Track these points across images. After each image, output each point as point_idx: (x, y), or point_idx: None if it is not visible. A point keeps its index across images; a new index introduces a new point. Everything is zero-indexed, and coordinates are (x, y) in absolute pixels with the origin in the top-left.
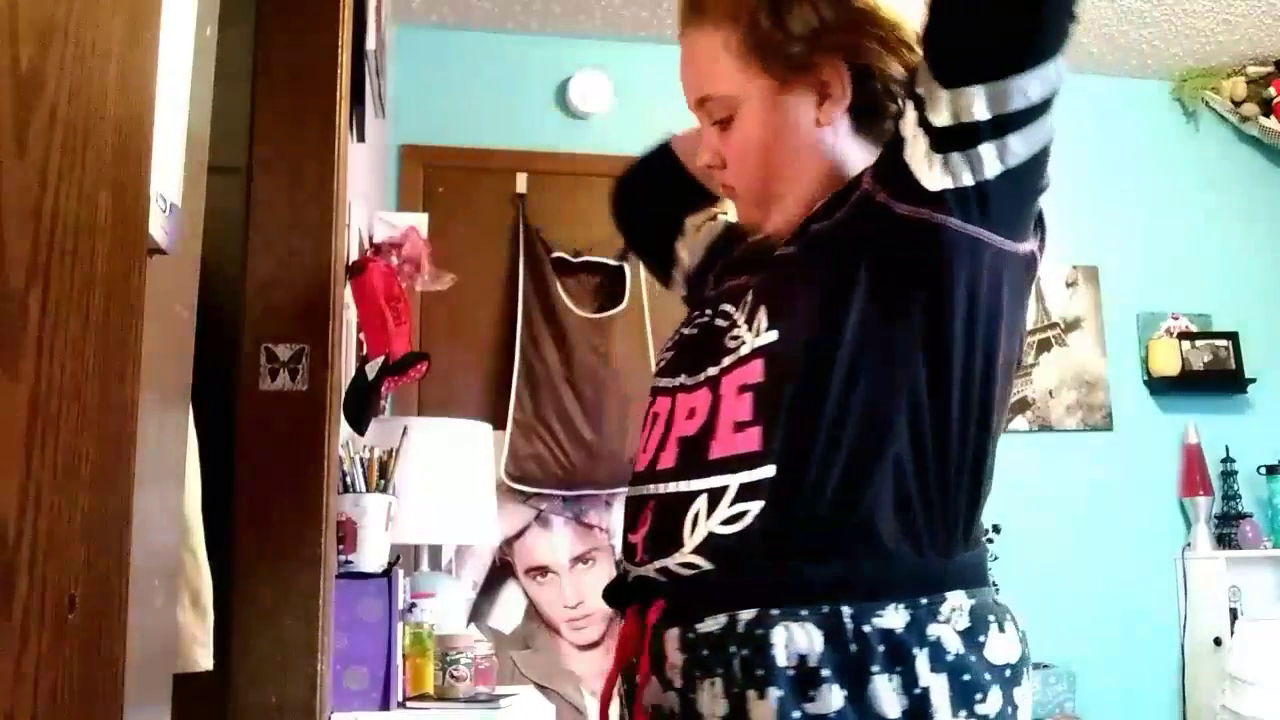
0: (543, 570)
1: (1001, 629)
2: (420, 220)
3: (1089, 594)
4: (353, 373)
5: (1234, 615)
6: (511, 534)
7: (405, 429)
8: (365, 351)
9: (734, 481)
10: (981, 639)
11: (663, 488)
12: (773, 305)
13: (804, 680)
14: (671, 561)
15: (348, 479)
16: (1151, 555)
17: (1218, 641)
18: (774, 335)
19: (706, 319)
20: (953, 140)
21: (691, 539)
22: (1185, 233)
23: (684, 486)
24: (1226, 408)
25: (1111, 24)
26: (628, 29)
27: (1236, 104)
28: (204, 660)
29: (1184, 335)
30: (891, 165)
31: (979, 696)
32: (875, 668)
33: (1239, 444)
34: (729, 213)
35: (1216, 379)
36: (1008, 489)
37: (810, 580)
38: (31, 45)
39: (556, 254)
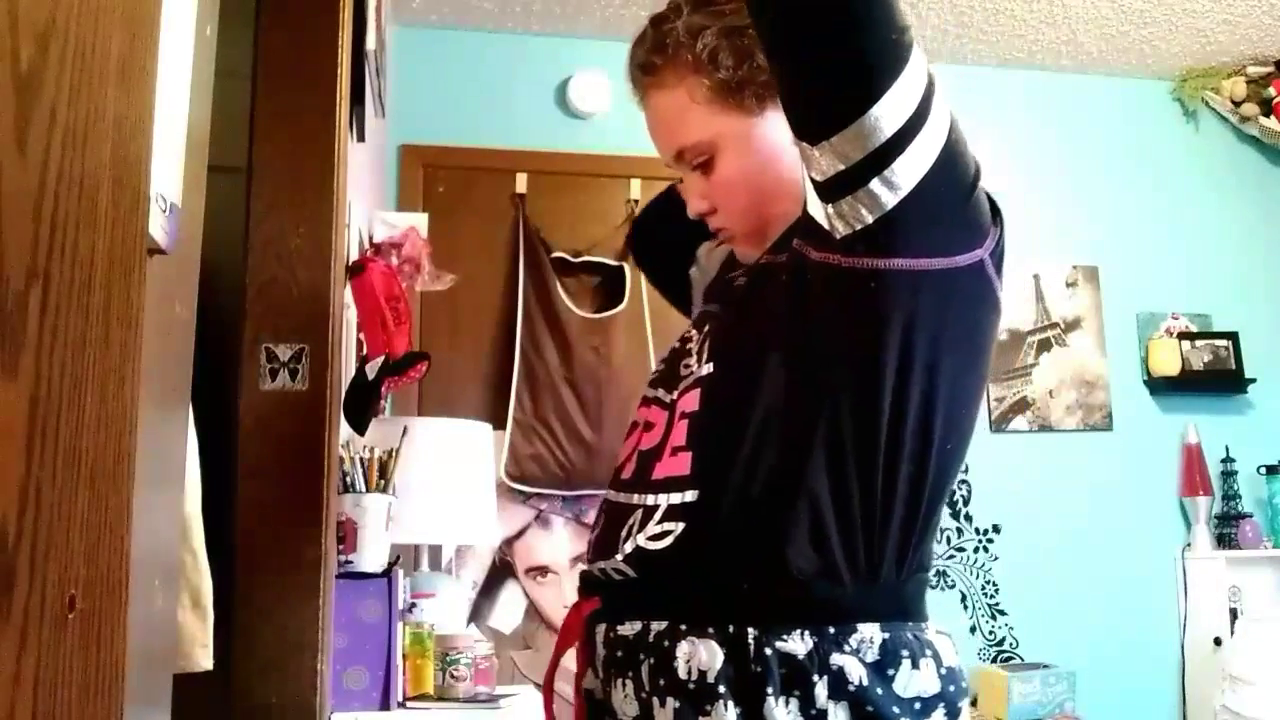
0: (543, 570)
1: (915, 664)
2: (420, 220)
3: (1089, 594)
4: (353, 373)
5: (1234, 615)
6: (511, 534)
7: (405, 429)
8: (365, 351)
9: (664, 501)
10: (891, 672)
11: (615, 495)
12: (715, 338)
13: (701, 695)
14: (608, 565)
15: (348, 479)
16: (1151, 555)
17: (1218, 641)
18: (710, 368)
19: (680, 341)
20: (838, 189)
21: (624, 548)
22: (1185, 233)
23: (629, 499)
24: (1226, 408)
25: (1111, 24)
26: (628, 29)
27: (1236, 104)
28: (204, 660)
29: (1184, 335)
30: (804, 214)
31: (961, 700)
32: (770, 689)
33: (1239, 444)
34: None
35: (1216, 379)
36: (1008, 489)
37: (720, 601)
38: (31, 45)
39: (556, 254)
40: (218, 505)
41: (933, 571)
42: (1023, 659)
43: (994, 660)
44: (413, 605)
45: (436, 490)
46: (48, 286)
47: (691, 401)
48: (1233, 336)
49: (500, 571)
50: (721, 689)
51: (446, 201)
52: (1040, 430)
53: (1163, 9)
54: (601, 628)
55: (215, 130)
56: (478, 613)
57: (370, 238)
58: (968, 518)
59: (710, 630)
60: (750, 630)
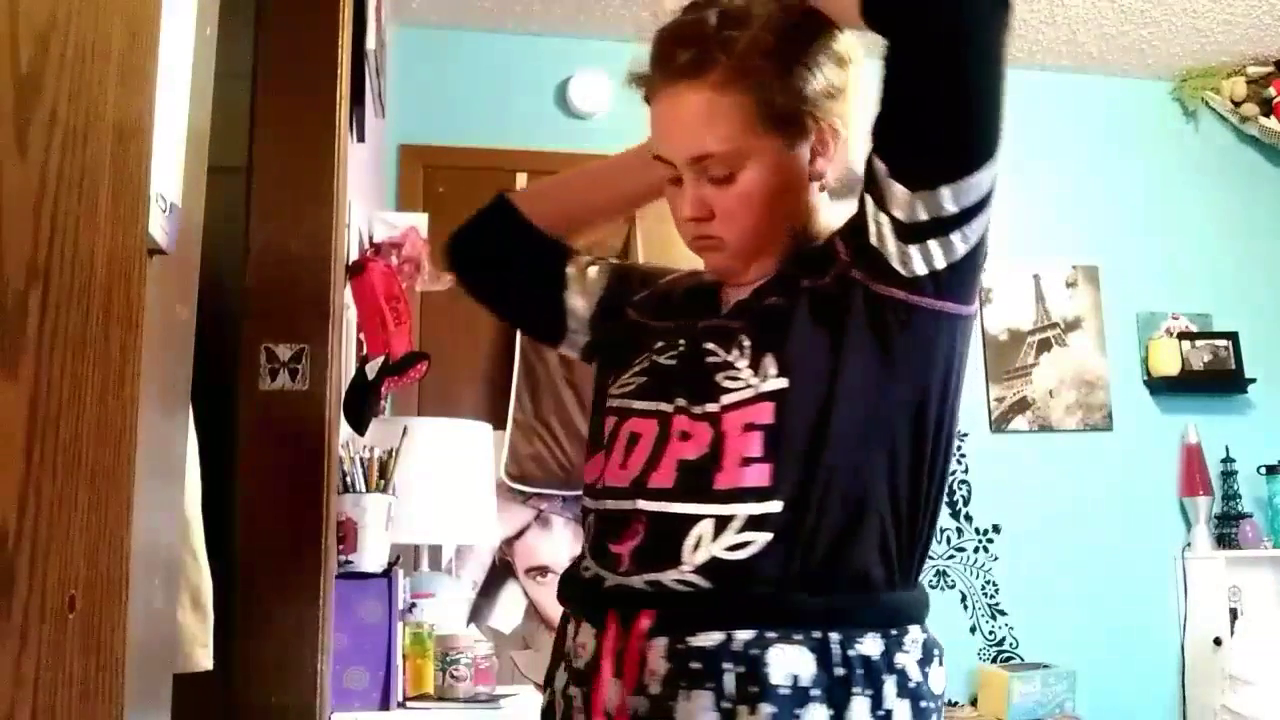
0: (543, 570)
1: (941, 662)
2: (420, 220)
3: (1089, 594)
4: (353, 373)
5: (1234, 615)
6: (511, 534)
7: (405, 429)
8: (365, 351)
9: (742, 512)
10: (928, 670)
11: (658, 506)
12: (780, 356)
13: (795, 699)
14: (666, 577)
15: (348, 479)
16: (1151, 555)
17: (1218, 641)
18: (784, 383)
19: (683, 351)
20: (921, 234)
21: (693, 558)
22: (1185, 233)
23: (686, 509)
24: (1226, 408)
25: (1111, 24)
26: (628, 29)
27: (1236, 104)
28: (204, 660)
29: (1184, 335)
30: (863, 248)
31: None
32: (856, 689)
33: (1239, 444)
34: (591, 254)
35: (1216, 379)
36: (1008, 489)
37: (806, 609)
38: (31, 45)
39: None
40: (218, 505)
41: (932, 571)
42: (1023, 659)
43: (994, 660)
44: (413, 605)
45: (436, 490)
46: (48, 286)
47: (761, 414)
48: (1233, 336)
49: (500, 571)
50: (815, 692)
51: (446, 201)
52: (1040, 430)
53: (1163, 9)
54: (661, 641)
55: (215, 130)
56: (478, 613)
57: (370, 238)
58: (968, 518)
59: (797, 637)
60: (833, 635)
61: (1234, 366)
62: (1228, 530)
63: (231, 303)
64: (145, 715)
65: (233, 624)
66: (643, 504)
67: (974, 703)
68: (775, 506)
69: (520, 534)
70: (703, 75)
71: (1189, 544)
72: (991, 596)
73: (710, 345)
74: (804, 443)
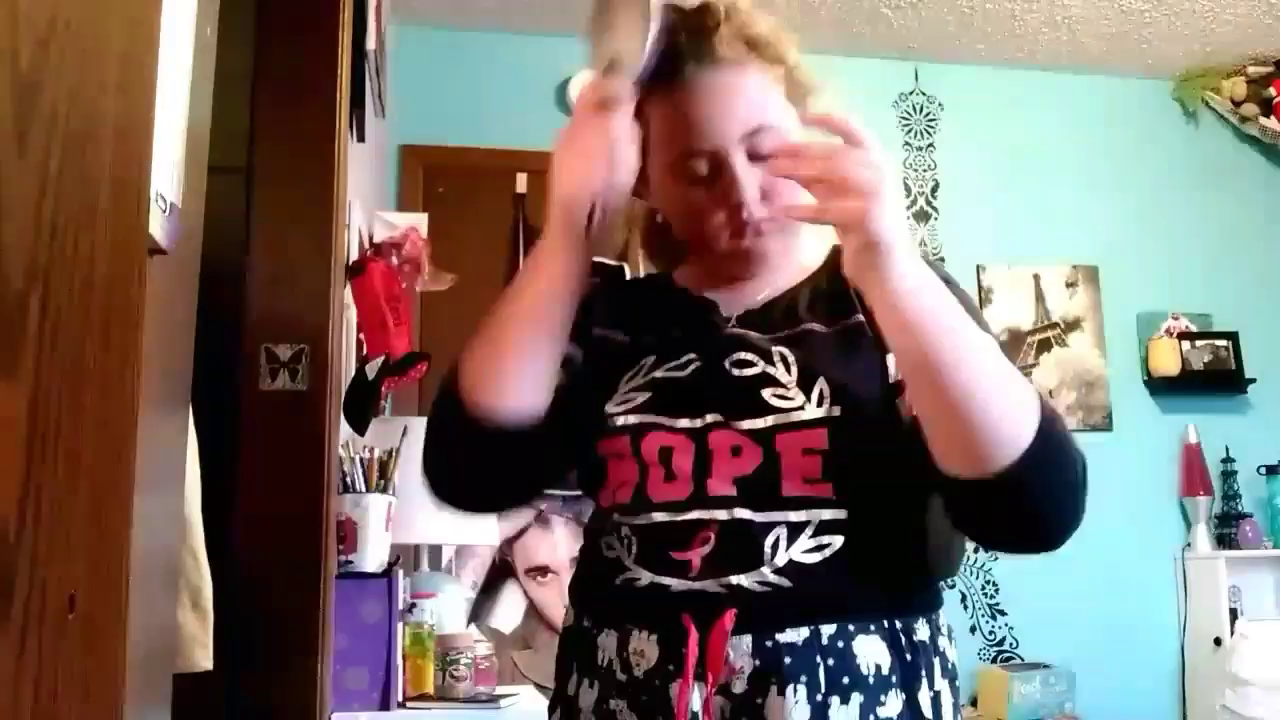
0: (543, 570)
1: (953, 642)
2: (420, 220)
3: (1089, 594)
4: (353, 373)
5: (1234, 615)
6: (511, 534)
7: (405, 429)
8: (365, 351)
9: (814, 518)
10: (953, 651)
11: (729, 513)
12: (831, 382)
13: (879, 687)
14: (747, 579)
15: (348, 479)
16: (1151, 555)
17: (1218, 641)
18: (838, 410)
19: (699, 363)
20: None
21: (773, 561)
22: (1185, 233)
23: (759, 516)
24: (1226, 408)
25: (1111, 24)
26: None
27: (1236, 104)
28: (204, 660)
29: (1184, 335)
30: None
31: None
32: (924, 674)
33: (1239, 444)
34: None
35: (1216, 379)
36: None
37: (877, 600)
38: (31, 45)
39: None
40: (218, 505)
41: None
42: (1023, 659)
43: (994, 660)
44: (413, 605)
45: None
46: (48, 286)
47: (816, 440)
48: (1233, 336)
49: (500, 571)
50: (894, 679)
51: (446, 201)
52: None
53: (1163, 9)
54: (745, 640)
55: (215, 130)
56: (478, 613)
57: (370, 238)
58: None
59: (872, 628)
60: (898, 623)
61: (1234, 366)
62: (1228, 530)
63: (231, 303)
64: (145, 715)
65: (233, 624)
66: (709, 513)
67: (974, 703)
68: (841, 514)
69: (520, 534)
70: (758, 52)
71: (1189, 544)
72: (991, 596)
73: (743, 356)
74: (860, 463)
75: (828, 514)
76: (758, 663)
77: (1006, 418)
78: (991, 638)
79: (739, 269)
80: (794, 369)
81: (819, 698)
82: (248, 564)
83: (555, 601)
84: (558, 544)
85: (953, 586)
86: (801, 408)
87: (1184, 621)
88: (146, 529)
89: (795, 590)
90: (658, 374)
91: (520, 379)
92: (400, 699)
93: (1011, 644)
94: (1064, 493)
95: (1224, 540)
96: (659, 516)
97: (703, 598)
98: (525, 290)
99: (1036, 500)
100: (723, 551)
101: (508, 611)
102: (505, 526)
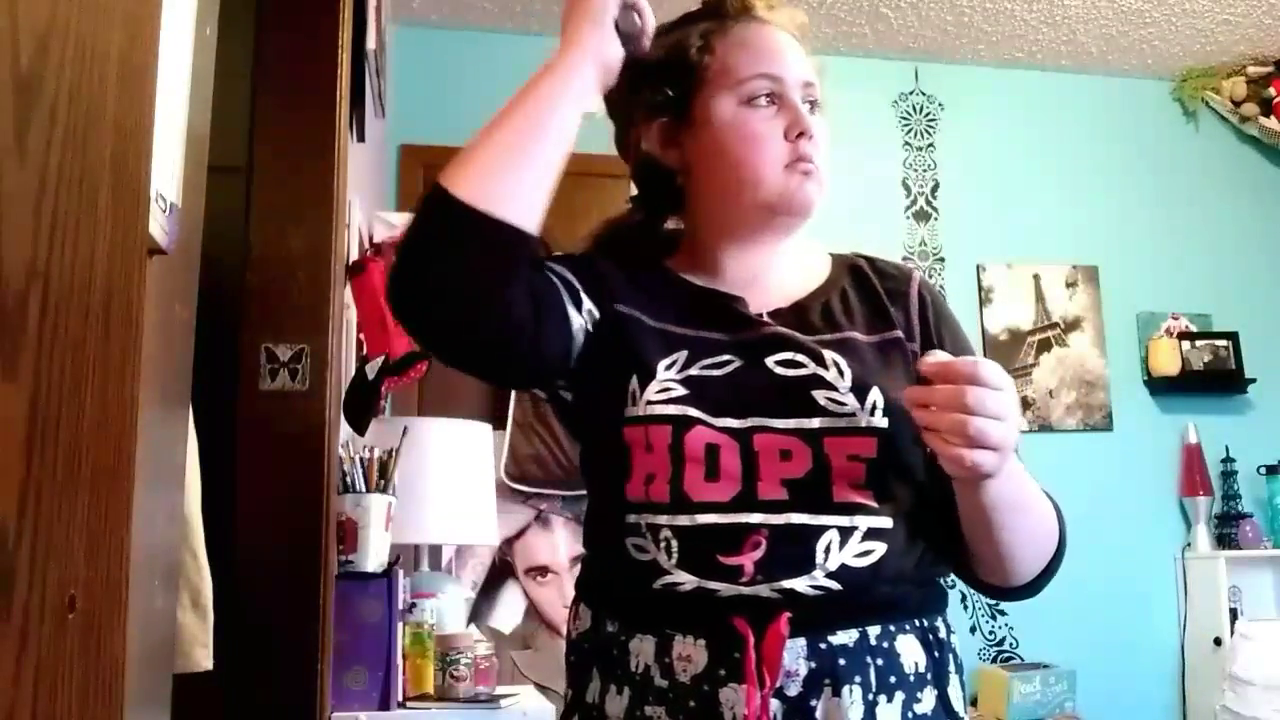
0: (543, 570)
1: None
2: None
3: (1089, 594)
4: (353, 373)
5: (1234, 615)
6: (511, 534)
7: (405, 429)
8: (365, 351)
9: (863, 524)
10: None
11: (781, 518)
12: (883, 393)
13: (918, 684)
14: (800, 583)
15: (348, 479)
16: (1151, 555)
17: (1218, 641)
18: (886, 422)
19: (738, 363)
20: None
21: (826, 565)
22: (1185, 233)
23: (812, 520)
24: (1226, 408)
25: (1111, 24)
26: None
27: (1236, 104)
28: (204, 660)
29: (1184, 335)
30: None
31: (965, 693)
32: (952, 670)
33: (1239, 444)
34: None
35: (1216, 379)
36: None
37: (912, 602)
38: (31, 45)
39: (557, 254)
40: (218, 505)
41: None
42: (1023, 659)
43: (994, 660)
44: (413, 605)
45: (436, 490)
46: (48, 286)
47: (864, 448)
48: (1233, 336)
49: (500, 571)
50: (928, 676)
51: None
52: (1040, 430)
53: (1163, 9)
54: (799, 643)
55: (215, 130)
56: (478, 613)
57: (370, 238)
58: None
59: (908, 628)
60: (926, 622)
61: (1234, 366)
62: (1228, 530)
63: (231, 303)
64: (145, 715)
65: (233, 624)
66: (760, 517)
67: (974, 703)
68: (886, 522)
69: (520, 534)
70: (796, 18)
71: (1189, 544)
72: None
73: (790, 356)
74: (901, 472)
75: (874, 521)
76: (813, 665)
77: (1038, 557)
78: (991, 638)
79: (806, 198)
80: (847, 374)
81: (870, 697)
82: (248, 564)
83: (555, 601)
84: (558, 544)
85: (953, 587)
86: (854, 414)
87: (1184, 621)
88: (147, 529)
89: (845, 593)
90: (693, 370)
91: (506, 176)
92: (400, 699)
93: (1011, 644)
94: (1056, 572)
95: (1224, 540)
96: (704, 519)
97: (754, 602)
98: (531, 88)
99: (1037, 590)
100: (778, 555)
101: (508, 611)
102: (505, 527)
